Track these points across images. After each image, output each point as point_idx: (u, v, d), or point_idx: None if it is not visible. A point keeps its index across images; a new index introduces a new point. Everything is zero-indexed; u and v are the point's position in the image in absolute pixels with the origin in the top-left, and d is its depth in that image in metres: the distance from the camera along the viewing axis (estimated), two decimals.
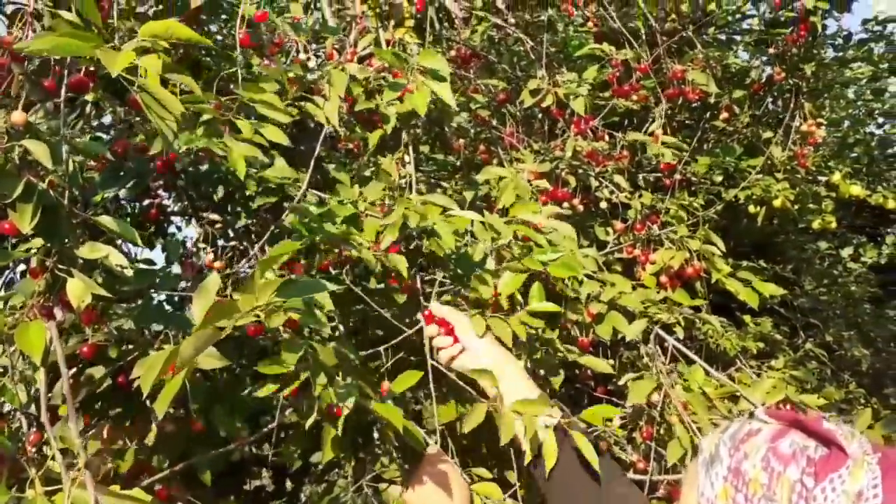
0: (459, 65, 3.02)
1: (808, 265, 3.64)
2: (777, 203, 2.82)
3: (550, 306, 1.64)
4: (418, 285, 1.68)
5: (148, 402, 1.69)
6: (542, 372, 2.10)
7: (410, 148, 1.78)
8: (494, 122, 3.00)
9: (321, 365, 1.20)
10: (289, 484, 2.69)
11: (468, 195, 2.42)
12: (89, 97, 1.32)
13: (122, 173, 1.85)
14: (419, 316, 1.67)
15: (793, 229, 3.49)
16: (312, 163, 1.65)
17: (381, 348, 1.62)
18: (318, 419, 2.01)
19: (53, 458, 1.01)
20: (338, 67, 1.86)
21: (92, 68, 1.34)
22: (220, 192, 1.84)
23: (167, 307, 1.61)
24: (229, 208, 2.00)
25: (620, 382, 1.92)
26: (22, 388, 1.15)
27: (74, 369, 1.34)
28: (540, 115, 3.13)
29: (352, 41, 2.20)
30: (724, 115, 2.88)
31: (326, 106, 1.70)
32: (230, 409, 1.76)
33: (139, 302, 1.42)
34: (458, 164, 3.02)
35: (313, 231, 1.45)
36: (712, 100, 2.87)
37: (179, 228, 2.70)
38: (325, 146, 1.89)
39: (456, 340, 1.37)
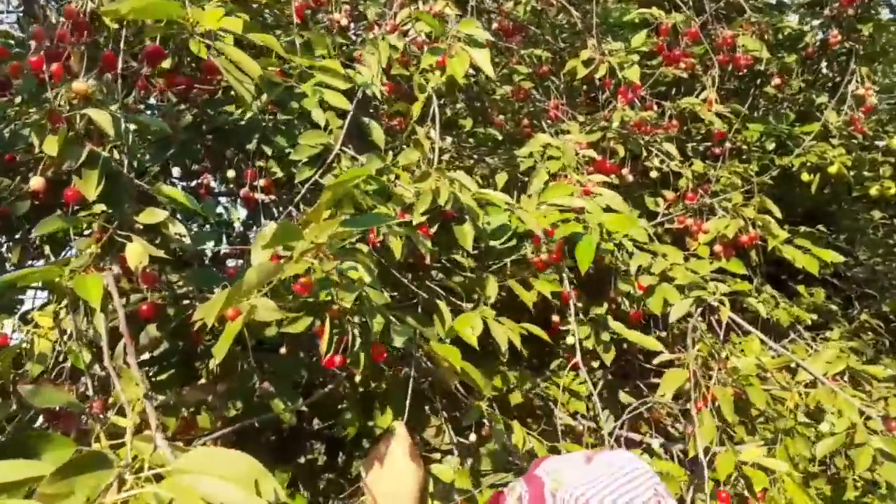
0: (502, 37, 2.99)
1: (861, 235, 3.52)
2: (833, 169, 2.73)
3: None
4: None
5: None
6: (591, 347, 2.08)
7: (437, 118, 1.76)
8: (538, 95, 2.96)
9: (375, 307, 1.20)
10: (341, 457, 2.72)
11: (500, 180, 2.40)
12: (165, 64, 1.32)
13: (168, 144, 1.88)
14: None
15: (846, 198, 3.37)
16: (347, 121, 1.65)
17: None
18: (373, 388, 2.04)
19: (117, 413, 1.03)
20: (379, 37, 1.86)
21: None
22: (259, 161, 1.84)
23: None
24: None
25: (657, 361, 1.88)
26: (87, 351, 1.17)
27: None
28: (585, 87, 3.08)
29: (392, 13, 2.19)
30: (776, 81, 2.79)
31: (368, 74, 1.70)
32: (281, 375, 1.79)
33: (193, 268, 1.44)
34: (501, 138, 2.99)
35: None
36: (763, 66, 2.79)
37: (227, 209, 2.74)
38: (366, 114, 1.88)
39: None
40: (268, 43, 0.99)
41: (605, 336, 2.03)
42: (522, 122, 2.92)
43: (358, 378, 1.91)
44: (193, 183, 2.18)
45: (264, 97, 1.66)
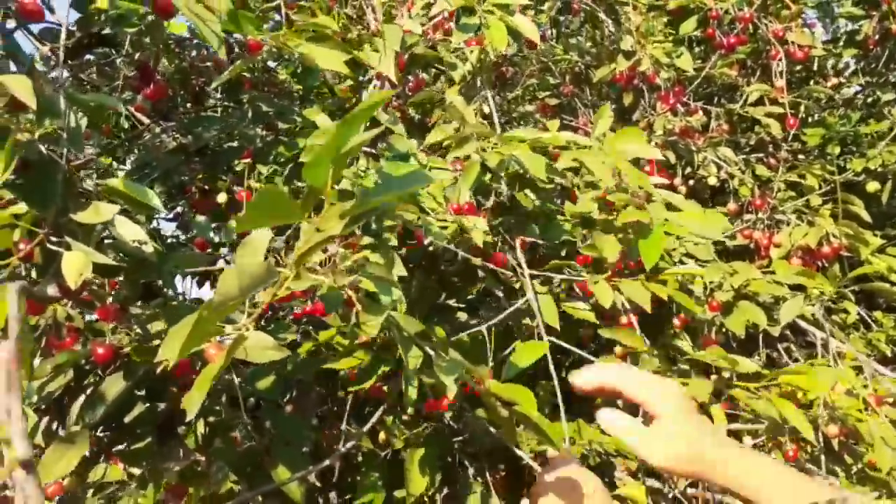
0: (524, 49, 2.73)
1: None
2: None
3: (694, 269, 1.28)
4: (508, 258, 1.33)
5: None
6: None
7: (489, 90, 1.46)
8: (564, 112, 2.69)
9: (408, 336, 0.86)
10: None
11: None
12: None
13: (149, 167, 1.60)
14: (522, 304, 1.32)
15: None
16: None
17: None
18: (395, 447, 1.67)
19: None
20: (391, 22, 1.59)
21: None
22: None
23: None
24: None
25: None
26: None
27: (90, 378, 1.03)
28: (613, 99, 2.80)
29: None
30: (833, 81, 2.49)
31: (382, 60, 1.41)
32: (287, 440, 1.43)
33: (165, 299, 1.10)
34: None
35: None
36: (815, 64, 2.50)
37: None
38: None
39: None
40: None
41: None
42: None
43: (382, 436, 1.56)
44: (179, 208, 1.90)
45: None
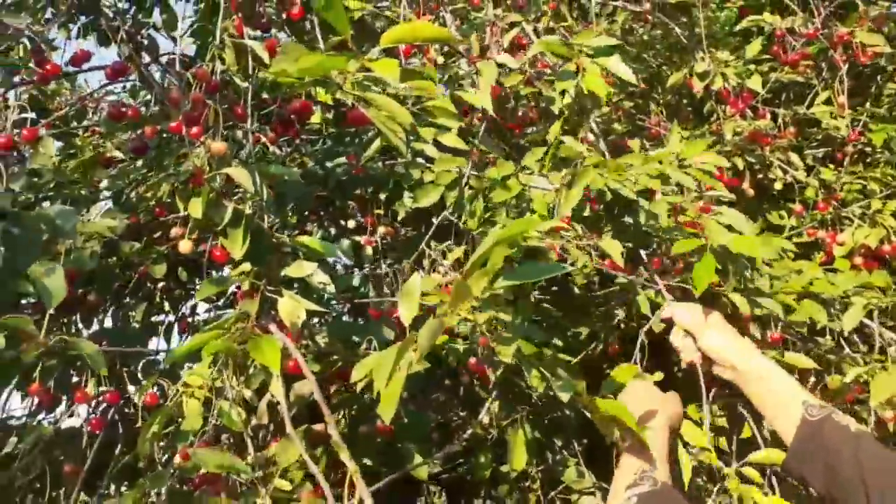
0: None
1: None
2: None
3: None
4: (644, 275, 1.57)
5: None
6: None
7: (593, 124, 1.70)
8: (636, 113, 2.87)
9: (530, 358, 1.13)
10: None
11: None
12: (315, 119, 1.32)
13: (285, 198, 1.89)
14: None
15: None
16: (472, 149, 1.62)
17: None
18: (499, 432, 1.96)
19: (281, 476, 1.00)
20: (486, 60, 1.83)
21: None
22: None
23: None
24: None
25: (849, 378, 1.72)
26: (240, 411, 1.15)
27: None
28: (684, 102, 2.97)
29: (494, 38, 2.16)
30: None
31: (480, 95, 1.66)
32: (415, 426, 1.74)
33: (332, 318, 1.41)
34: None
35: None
36: (883, 62, 2.60)
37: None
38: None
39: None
40: (424, 87, 0.96)
41: None
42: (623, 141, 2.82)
43: (486, 419, 1.85)
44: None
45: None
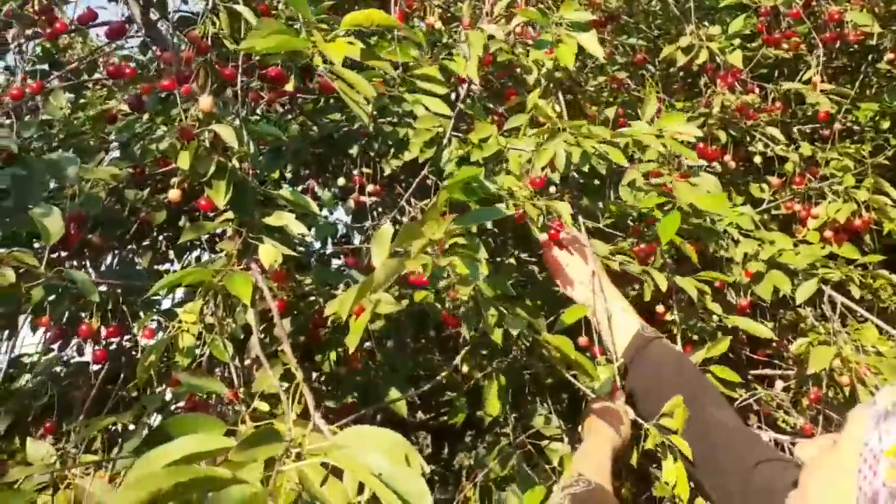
0: (594, 28, 2.97)
1: None
2: None
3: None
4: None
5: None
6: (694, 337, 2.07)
7: (559, 94, 1.79)
8: (632, 84, 2.93)
9: (487, 299, 1.26)
10: (446, 449, 2.80)
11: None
12: (288, 87, 1.43)
13: (281, 152, 2.00)
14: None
15: None
16: (455, 112, 1.72)
17: None
18: (478, 381, 2.10)
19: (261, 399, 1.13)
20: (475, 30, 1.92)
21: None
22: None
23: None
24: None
25: (793, 349, 1.83)
26: (228, 343, 1.28)
27: (265, 324, 1.48)
28: (681, 74, 3.02)
29: (488, 6, 2.23)
30: (890, 55, 2.64)
31: (467, 64, 1.76)
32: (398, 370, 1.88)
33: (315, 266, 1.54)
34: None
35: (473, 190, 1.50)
36: (874, 41, 2.65)
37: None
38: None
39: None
40: (381, 66, 1.06)
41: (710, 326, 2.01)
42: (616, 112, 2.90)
43: (465, 368, 1.98)
44: (300, 188, 2.31)
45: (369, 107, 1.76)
